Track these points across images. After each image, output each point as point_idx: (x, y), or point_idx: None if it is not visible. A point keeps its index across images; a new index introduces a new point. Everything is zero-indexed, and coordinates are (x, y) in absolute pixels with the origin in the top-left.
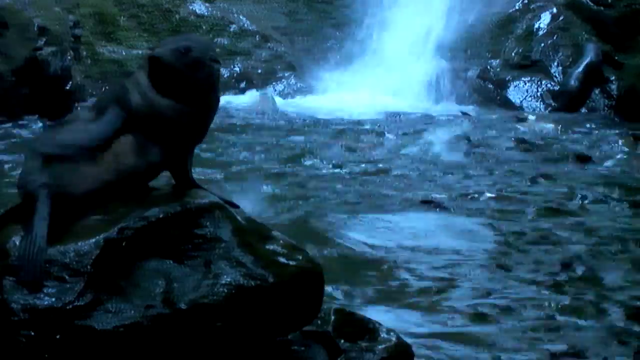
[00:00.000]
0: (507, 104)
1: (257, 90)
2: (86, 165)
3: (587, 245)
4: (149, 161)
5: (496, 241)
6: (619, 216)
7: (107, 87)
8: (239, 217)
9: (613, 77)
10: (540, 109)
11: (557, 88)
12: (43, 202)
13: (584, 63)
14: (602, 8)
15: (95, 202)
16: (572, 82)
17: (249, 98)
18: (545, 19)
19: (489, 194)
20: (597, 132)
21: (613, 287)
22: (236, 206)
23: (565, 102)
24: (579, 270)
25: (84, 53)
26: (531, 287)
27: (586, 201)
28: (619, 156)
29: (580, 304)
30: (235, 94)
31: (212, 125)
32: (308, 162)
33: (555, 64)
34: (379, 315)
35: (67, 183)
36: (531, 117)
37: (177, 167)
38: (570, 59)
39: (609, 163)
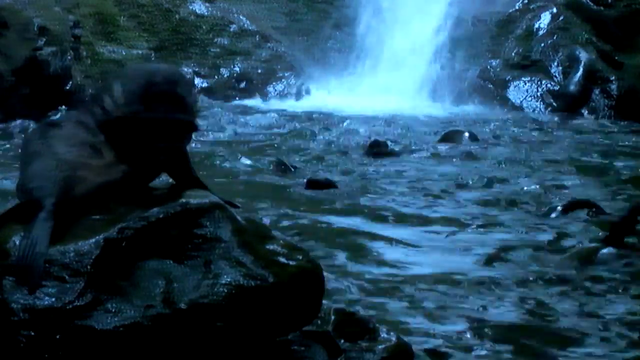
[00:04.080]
0: (507, 104)
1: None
2: (85, 171)
3: None
4: (145, 166)
5: None
6: None
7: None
8: (239, 217)
9: (613, 77)
10: (540, 109)
11: (557, 88)
12: (48, 208)
13: (582, 64)
14: (602, 8)
15: (92, 203)
16: (572, 86)
17: None
18: (545, 19)
19: None
20: None
21: None
22: (236, 206)
23: (566, 103)
24: None
25: (84, 53)
26: None
27: None
28: None
29: None
30: (234, 94)
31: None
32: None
33: (555, 64)
34: None
35: (67, 188)
36: None
37: (177, 167)
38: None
39: None
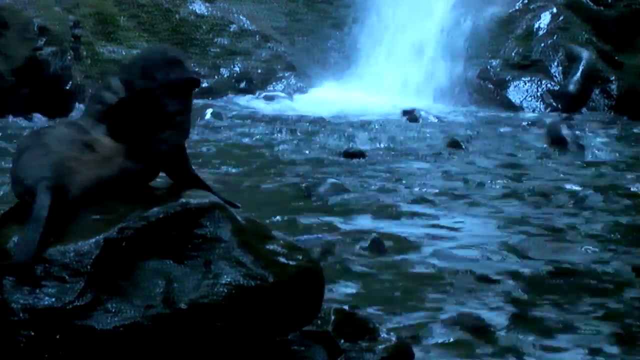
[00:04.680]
0: (507, 104)
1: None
2: (76, 163)
3: None
4: (143, 163)
5: None
6: None
7: None
8: (239, 217)
9: (613, 77)
10: (540, 109)
11: (557, 88)
12: (43, 192)
13: (582, 64)
14: (602, 8)
15: (91, 200)
16: (572, 86)
17: None
18: (545, 19)
19: None
20: None
21: None
22: (236, 206)
23: (566, 102)
24: None
25: (84, 53)
26: None
27: None
28: None
29: None
30: (235, 94)
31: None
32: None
33: (555, 64)
34: None
35: (64, 180)
36: None
37: (176, 166)
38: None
39: None
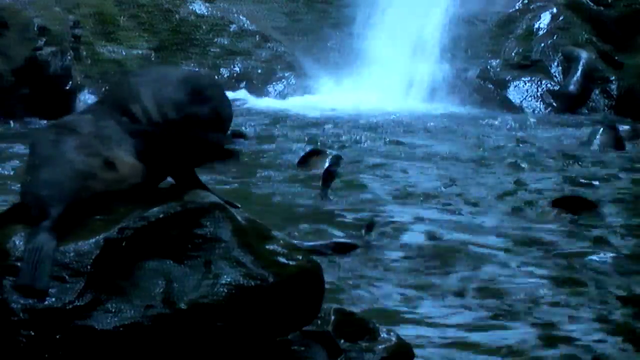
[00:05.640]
0: (507, 104)
1: None
2: (95, 181)
3: None
4: (154, 178)
5: None
6: None
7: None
8: (239, 217)
9: (613, 77)
10: (540, 109)
11: (557, 88)
12: (53, 218)
13: (582, 64)
14: (602, 8)
15: (97, 207)
16: (572, 86)
17: None
18: (545, 19)
19: None
20: None
21: None
22: (236, 206)
23: (565, 103)
24: None
25: (84, 53)
26: None
27: None
28: None
29: None
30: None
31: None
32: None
33: (555, 64)
34: None
35: (76, 200)
36: None
37: (179, 169)
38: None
39: None
